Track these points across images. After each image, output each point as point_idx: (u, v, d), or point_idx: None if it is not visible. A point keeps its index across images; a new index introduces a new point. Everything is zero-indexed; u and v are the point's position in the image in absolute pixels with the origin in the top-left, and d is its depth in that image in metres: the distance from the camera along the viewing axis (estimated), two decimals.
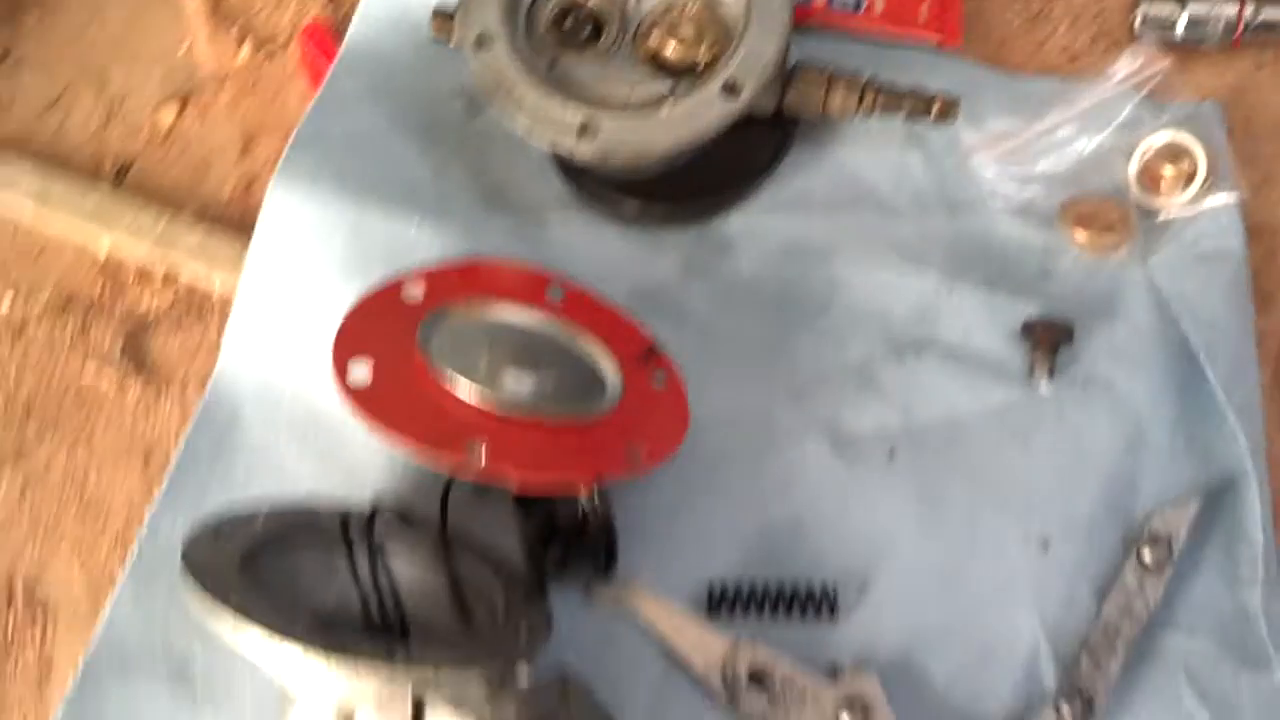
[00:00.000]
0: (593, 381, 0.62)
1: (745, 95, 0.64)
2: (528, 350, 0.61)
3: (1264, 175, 0.71)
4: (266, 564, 0.53)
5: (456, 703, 0.49)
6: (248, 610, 0.47)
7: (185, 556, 0.50)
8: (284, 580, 0.53)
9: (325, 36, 0.80)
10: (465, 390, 0.57)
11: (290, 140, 0.72)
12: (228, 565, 0.51)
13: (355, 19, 0.77)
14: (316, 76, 0.78)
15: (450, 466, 0.56)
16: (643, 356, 0.65)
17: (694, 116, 0.65)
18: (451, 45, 0.70)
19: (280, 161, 0.71)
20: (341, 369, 0.57)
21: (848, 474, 0.65)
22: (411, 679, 0.48)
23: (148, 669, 0.61)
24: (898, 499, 0.64)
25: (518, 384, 0.59)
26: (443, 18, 0.71)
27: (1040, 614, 0.61)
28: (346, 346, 0.58)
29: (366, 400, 0.56)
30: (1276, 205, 0.70)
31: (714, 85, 0.65)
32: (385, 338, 0.59)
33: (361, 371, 0.57)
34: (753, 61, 0.65)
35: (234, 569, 0.50)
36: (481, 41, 0.67)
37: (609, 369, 0.63)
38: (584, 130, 0.65)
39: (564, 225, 0.72)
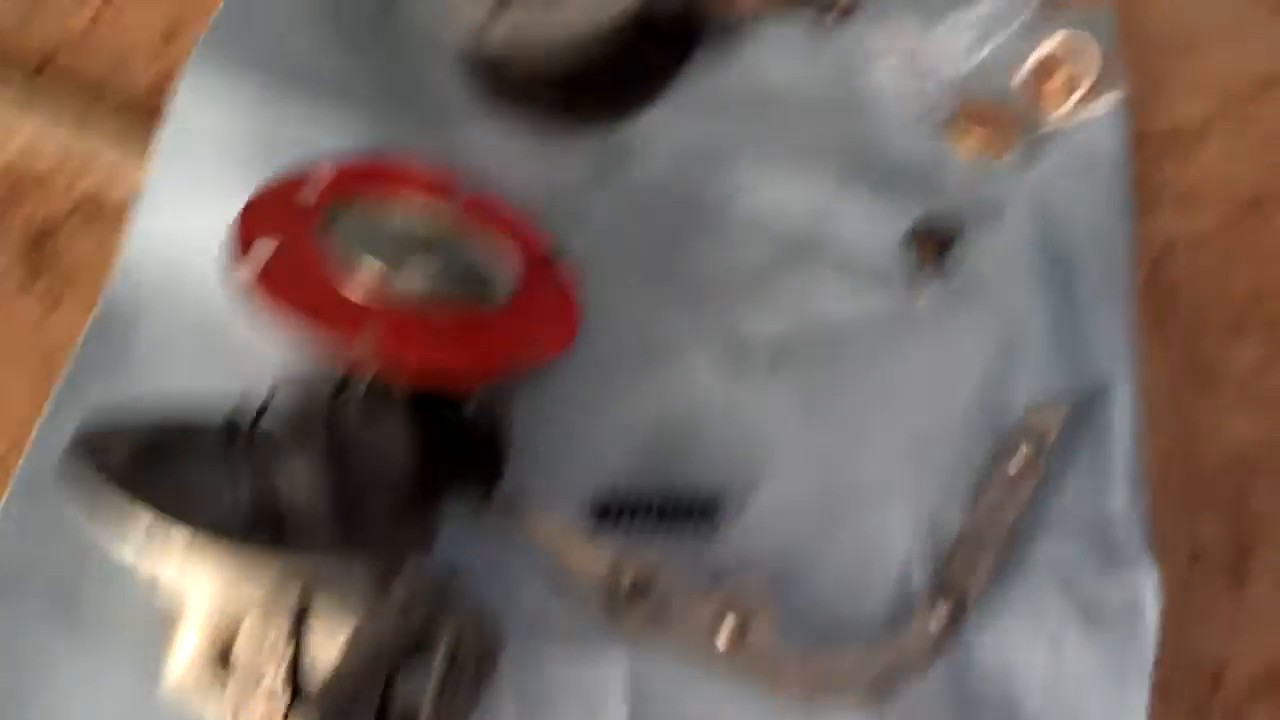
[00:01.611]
0: (488, 279, 0.64)
1: None
2: (426, 244, 0.63)
3: (1154, 81, 0.73)
4: (151, 469, 0.53)
5: (338, 606, 0.51)
6: (136, 495, 0.48)
7: (68, 454, 0.50)
8: (169, 486, 0.53)
9: None
10: (362, 278, 0.59)
11: (205, 32, 0.72)
12: (112, 468, 0.51)
13: None
14: None
15: (342, 354, 0.57)
16: (539, 260, 0.67)
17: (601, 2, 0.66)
18: None
19: (193, 52, 0.71)
20: (239, 252, 0.58)
21: (734, 382, 0.67)
22: (293, 577, 0.50)
23: (30, 591, 0.60)
24: (781, 407, 0.66)
25: (414, 275, 0.61)
26: None
27: (916, 516, 0.64)
28: (247, 231, 0.60)
29: (262, 282, 0.57)
30: (1163, 112, 0.72)
31: None
32: (286, 225, 0.61)
33: (260, 254, 0.58)
34: None
35: (118, 473, 0.50)
36: None
37: (505, 269, 0.65)
38: (493, 18, 0.66)
39: (471, 127, 0.73)
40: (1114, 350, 0.65)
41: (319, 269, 0.59)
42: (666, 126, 0.73)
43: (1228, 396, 0.68)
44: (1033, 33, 0.72)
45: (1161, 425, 0.67)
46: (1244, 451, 0.67)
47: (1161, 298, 0.69)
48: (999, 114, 0.70)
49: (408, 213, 0.65)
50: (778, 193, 0.71)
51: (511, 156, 0.72)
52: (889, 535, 0.64)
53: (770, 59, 0.74)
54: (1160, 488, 0.66)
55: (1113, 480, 0.64)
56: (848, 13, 0.69)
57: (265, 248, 0.58)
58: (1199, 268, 0.70)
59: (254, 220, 0.60)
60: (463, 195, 0.67)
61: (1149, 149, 0.71)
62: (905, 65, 0.72)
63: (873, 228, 0.70)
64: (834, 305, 0.68)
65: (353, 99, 0.72)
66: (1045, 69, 0.70)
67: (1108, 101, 0.70)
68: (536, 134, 0.73)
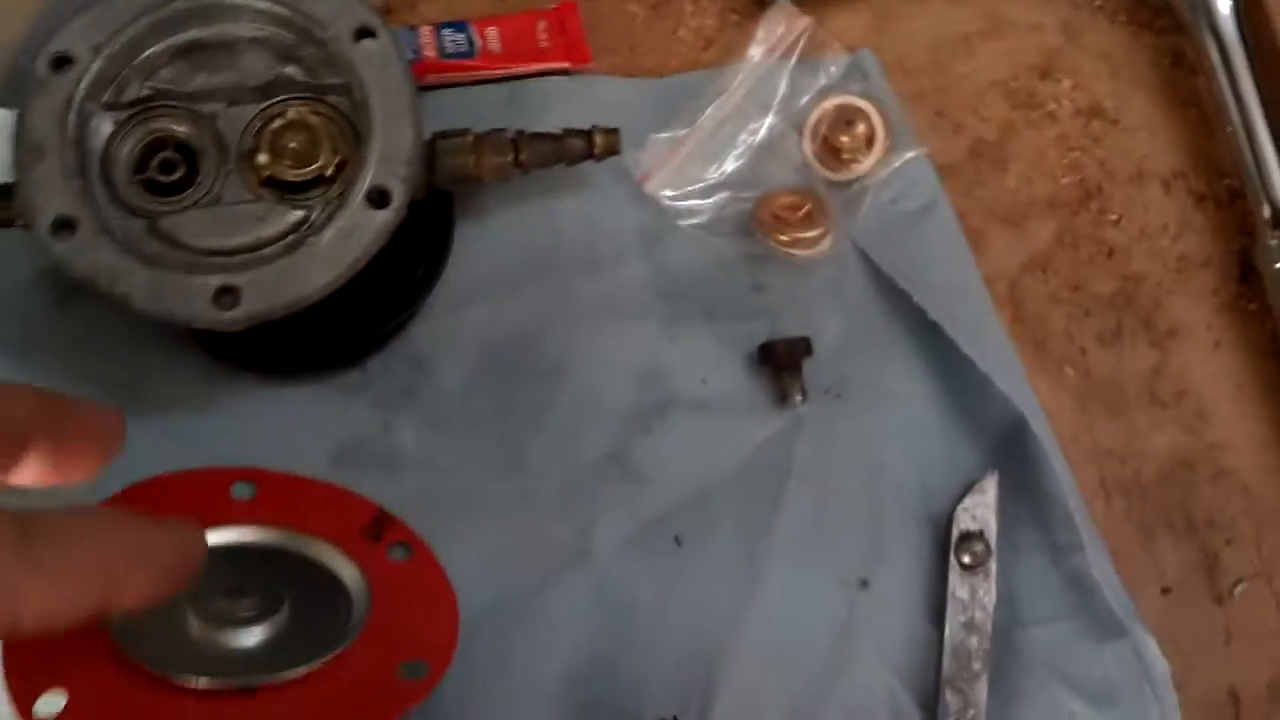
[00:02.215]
0: (330, 591, 0.53)
1: (398, 200, 0.54)
2: (240, 588, 0.50)
3: (934, 109, 0.67)
4: None
5: None
6: None
7: None
8: None
9: None
10: (189, 684, 0.46)
11: None
12: None
13: None
14: None
15: None
16: (370, 529, 0.56)
17: (348, 239, 0.54)
18: (19, 225, 0.56)
19: None
20: (26, 709, 0.44)
21: (641, 581, 0.58)
22: None
23: None
24: (704, 587, 0.58)
25: (246, 640, 0.49)
26: None
27: (887, 660, 0.57)
28: (24, 679, 0.45)
29: None
30: (953, 137, 0.67)
31: (356, 199, 0.54)
32: (68, 659, 0.46)
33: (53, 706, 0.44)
34: (392, 157, 0.55)
35: None
36: (60, 227, 0.53)
37: (342, 566, 0.53)
38: (223, 296, 0.53)
39: (221, 404, 0.61)
40: (1017, 404, 0.59)
41: (135, 695, 0.45)
42: (448, 325, 0.62)
43: (1138, 407, 0.63)
44: (799, 98, 0.65)
45: (1083, 458, 0.62)
46: (1177, 462, 0.63)
47: (1031, 325, 0.64)
48: (800, 199, 0.63)
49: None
50: (599, 359, 0.62)
51: (283, 421, 0.60)
52: (865, 692, 0.57)
53: (535, 217, 0.64)
54: (1104, 524, 0.61)
55: (1066, 545, 0.58)
56: (609, 150, 0.60)
57: (53, 704, 0.44)
58: (1056, 283, 0.65)
59: (27, 663, 0.45)
60: (250, 490, 0.55)
61: (955, 182, 0.66)
62: (680, 178, 0.64)
63: (717, 359, 0.62)
64: (713, 455, 0.60)
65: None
66: (831, 132, 0.64)
67: (908, 150, 0.64)
68: (301, 384, 0.61)
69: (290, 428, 0.60)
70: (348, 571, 0.53)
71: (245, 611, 0.50)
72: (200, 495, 0.54)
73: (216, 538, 0.52)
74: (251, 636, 0.49)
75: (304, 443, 0.60)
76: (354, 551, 0.54)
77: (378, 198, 0.55)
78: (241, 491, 0.55)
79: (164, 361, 0.61)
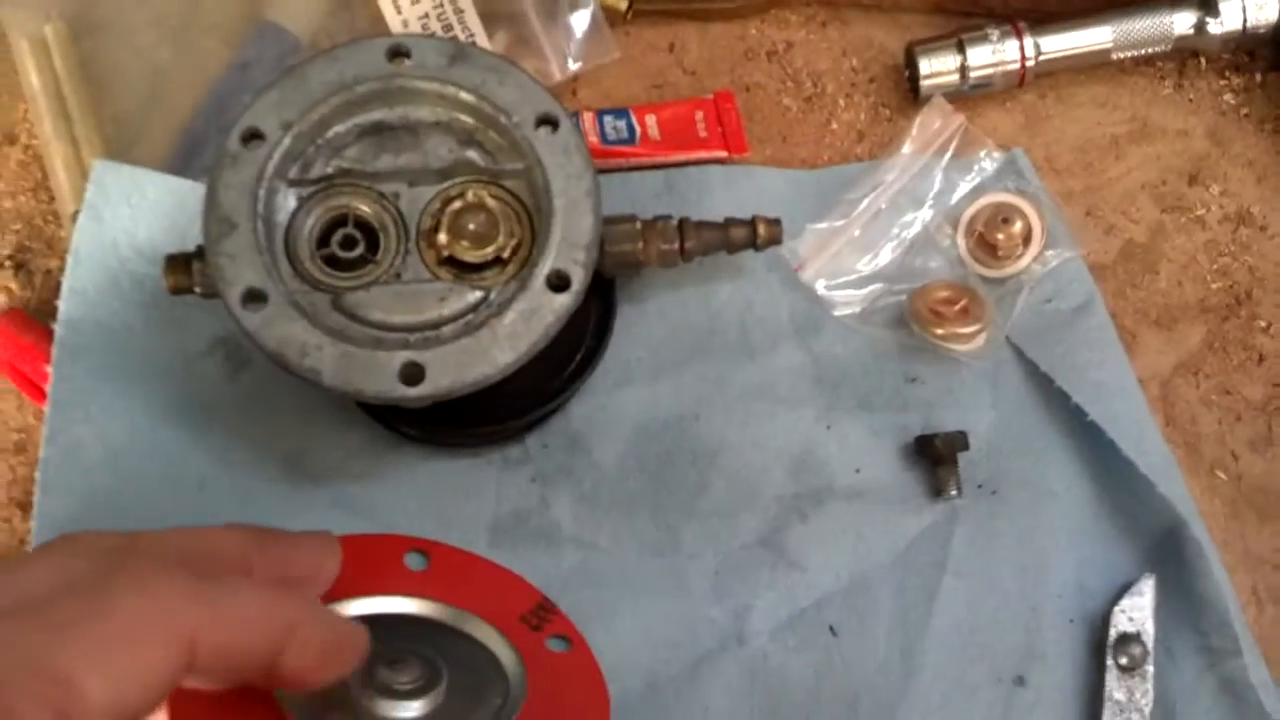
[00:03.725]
0: (489, 673, 0.53)
1: (577, 285, 0.55)
2: (403, 659, 0.50)
3: (1084, 210, 0.68)
4: None
5: None
6: None
7: None
8: None
9: (11, 325, 0.65)
10: None
11: (39, 467, 0.59)
12: None
13: (64, 294, 0.62)
14: (14, 373, 0.64)
15: None
16: (531, 618, 0.56)
17: (529, 321, 0.55)
18: (199, 293, 0.58)
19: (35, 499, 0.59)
20: None
21: (796, 668, 0.59)
22: None
23: None
24: (856, 678, 0.59)
25: (404, 712, 0.49)
26: (178, 266, 0.58)
27: None
28: None
29: None
30: (1104, 238, 0.68)
31: (537, 283, 0.56)
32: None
33: None
34: (572, 242, 0.56)
35: None
36: (250, 299, 0.55)
37: (503, 650, 0.54)
38: (409, 373, 0.54)
39: (385, 473, 0.62)
40: (1176, 506, 0.59)
41: None
42: (606, 405, 0.63)
43: None
44: (953, 192, 0.66)
45: (1235, 563, 0.62)
46: None
47: (1182, 428, 0.65)
48: (956, 293, 0.64)
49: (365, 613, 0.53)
50: (755, 443, 0.63)
51: (445, 492, 0.62)
52: None
53: (694, 302, 0.65)
54: (1256, 630, 0.61)
55: (1222, 649, 0.58)
56: (770, 240, 0.61)
57: None
58: (1207, 387, 0.65)
59: None
60: (424, 560, 0.56)
61: (1106, 282, 0.66)
62: (836, 268, 0.65)
63: (873, 448, 0.63)
64: (868, 545, 0.61)
65: (231, 490, 0.61)
66: (987, 230, 0.64)
67: (1062, 248, 0.65)
68: (464, 458, 0.62)
69: (451, 499, 0.61)
70: (507, 656, 0.54)
71: (406, 683, 0.50)
72: (375, 561, 0.55)
73: (386, 606, 0.53)
74: (409, 710, 0.50)
75: (464, 514, 0.61)
76: (514, 636, 0.55)
77: (558, 281, 0.56)
78: (414, 562, 0.56)
79: (330, 430, 0.62)
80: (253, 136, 0.58)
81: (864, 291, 0.65)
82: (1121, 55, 0.68)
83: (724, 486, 0.62)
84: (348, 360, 0.55)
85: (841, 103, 0.70)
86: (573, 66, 0.69)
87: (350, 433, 0.62)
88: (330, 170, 0.59)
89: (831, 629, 0.60)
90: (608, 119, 0.68)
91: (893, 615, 0.60)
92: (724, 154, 0.68)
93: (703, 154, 0.68)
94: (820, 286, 0.65)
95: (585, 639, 0.57)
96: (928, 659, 0.59)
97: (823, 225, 0.66)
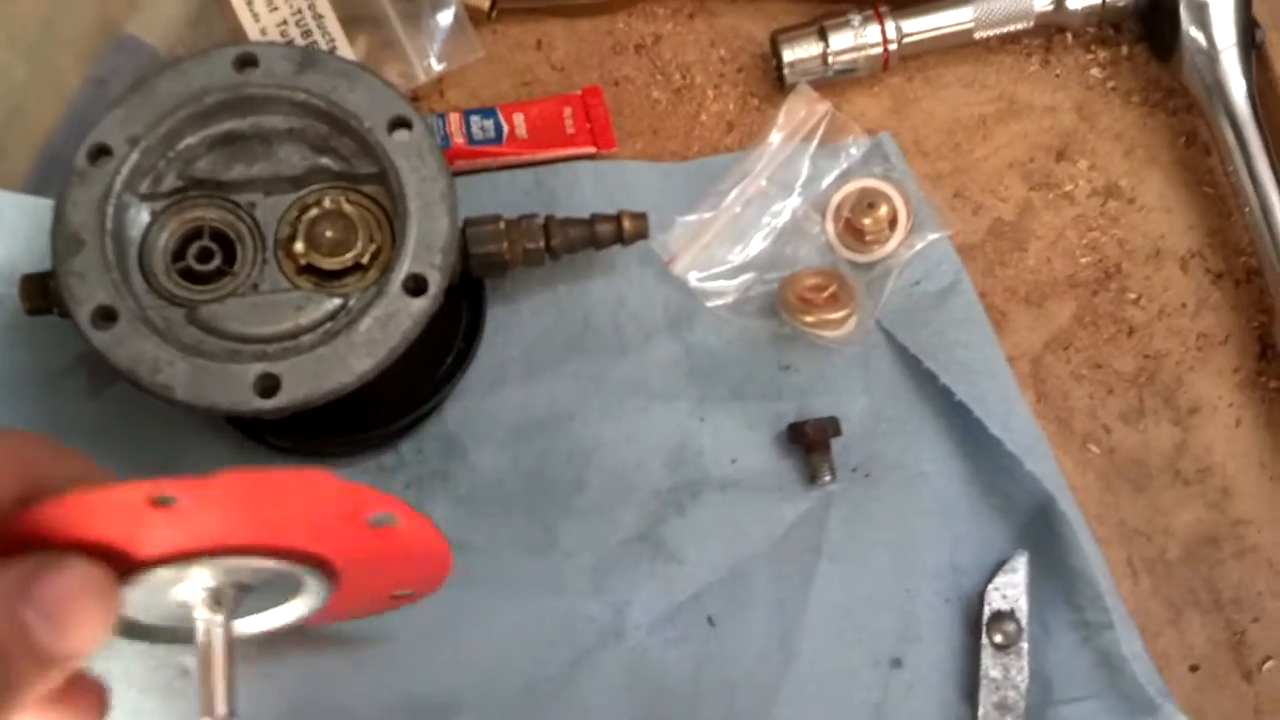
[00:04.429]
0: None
1: (434, 288, 0.55)
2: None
3: (953, 191, 0.68)
4: None
5: None
6: None
7: None
8: None
9: None
10: None
11: None
12: None
13: None
14: None
15: None
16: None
17: (386, 327, 0.55)
18: (55, 313, 0.57)
19: None
20: None
21: (675, 661, 0.59)
22: None
23: None
24: (738, 667, 0.59)
25: None
26: (33, 286, 0.57)
27: None
28: None
29: None
30: (972, 218, 0.68)
31: (394, 288, 0.55)
32: None
33: None
34: (429, 245, 0.56)
35: None
36: (100, 318, 0.54)
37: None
38: (264, 385, 0.54)
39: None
40: (1046, 484, 0.59)
41: None
42: (481, 407, 0.63)
43: (1162, 484, 0.64)
44: (820, 180, 0.66)
45: (1110, 535, 0.63)
46: (1203, 539, 0.63)
47: (1054, 403, 0.65)
48: (825, 280, 0.64)
49: None
50: (630, 439, 0.63)
51: None
52: None
53: (565, 299, 0.65)
54: (1131, 601, 0.61)
55: (1097, 623, 0.59)
56: (637, 234, 0.61)
57: None
58: (1078, 362, 0.66)
59: None
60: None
61: (975, 261, 0.67)
62: (706, 259, 0.65)
63: (746, 439, 0.63)
64: (745, 535, 0.61)
65: None
66: (854, 215, 0.65)
67: (930, 232, 0.65)
68: (338, 465, 0.62)
69: None
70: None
71: None
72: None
73: None
74: None
75: None
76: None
77: (415, 285, 0.56)
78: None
79: (198, 444, 0.62)
80: (100, 153, 0.57)
81: (736, 282, 0.65)
82: (985, 34, 0.69)
83: (601, 483, 0.62)
84: (201, 374, 0.54)
85: (710, 94, 0.70)
86: (437, 67, 0.68)
87: (218, 446, 0.62)
88: (182, 183, 0.58)
89: (710, 620, 0.60)
90: (474, 119, 0.68)
91: (770, 603, 0.60)
92: (592, 150, 0.68)
93: (571, 151, 0.68)
94: (692, 279, 0.65)
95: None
96: (805, 644, 0.59)
97: (692, 218, 0.66)
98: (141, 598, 0.46)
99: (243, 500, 0.43)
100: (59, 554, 0.41)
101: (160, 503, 0.41)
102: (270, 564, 0.46)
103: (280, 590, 0.50)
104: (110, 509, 0.42)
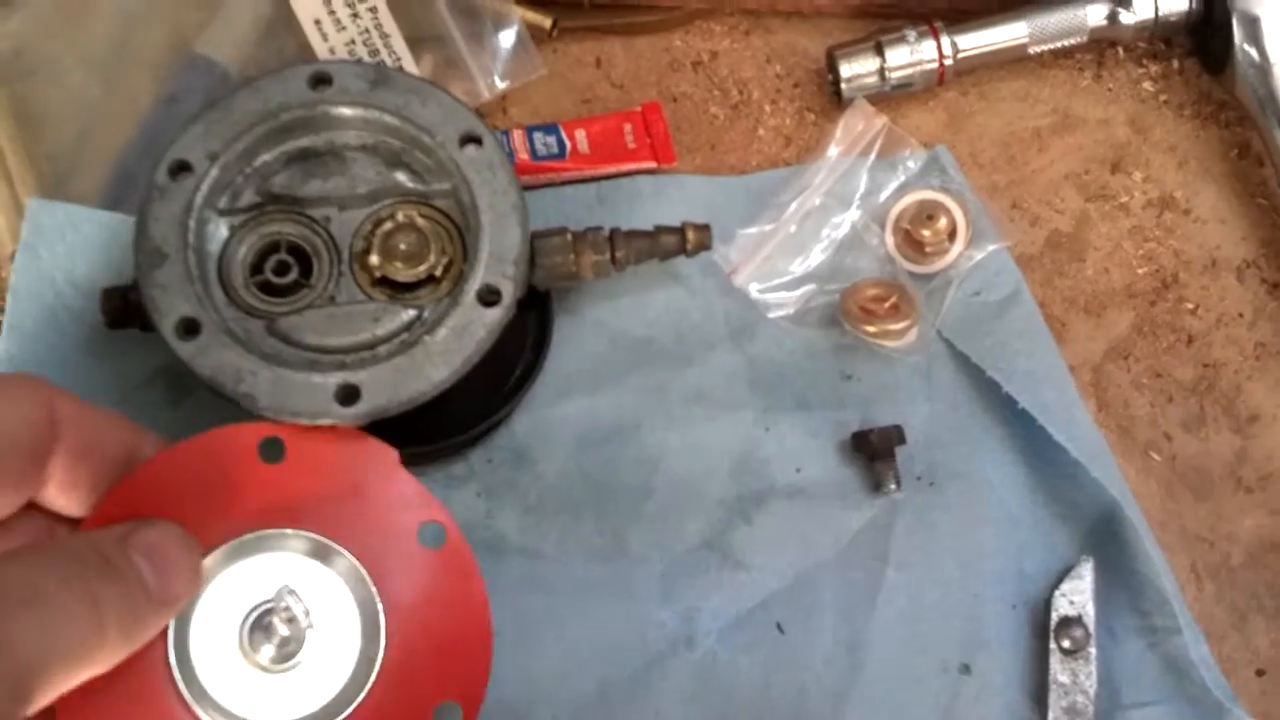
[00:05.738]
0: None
1: (507, 298, 0.56)
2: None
3: (1010, 203, 0.69)
4: None
5: None
6: None
7: None
8: None
9: None
10: None
11: None
12: None
13: (4, 332, 0.62)
14: None
15: None
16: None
17: (461, 337, 0.56)
18: (138, 326, 0.58)
19: None
20: None
21: (744, 667, 0.59)
22: None
23: None
24: (803, 674, 0.59)
25: None
26: (115, 299, 0.59)
27: None
28: None
29: None
30: (1030, 229, 0.69)
31: (468, 299, 0.56)
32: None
33: None
34: (501, 257, 0.57)
35: None
36: (184, 329, 0.55)
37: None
38: (344, 394, 0.55)
39: None
40: (1110, 491, 0.60)
41: None
42: (548, 417, 0.64)
43: (1224, 491, 0.64)
44: (879, 192, 0.67)
45: (1173, 542, 0.63)
46: (1266, 545, 0.64)
47: (1115, 412, 0.66)
48: (886, 290, 0.65)
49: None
50: (696, 449, 0.63)
51: None
52: None
53: (629, 311, 0.66)
54: (1196, 607, 0.62)
55: (1164, 628, 0.59)
56: (700, 245, 0.62)
57: None
58: (1137, 371, 0.67)
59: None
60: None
61: (1034, 272, 0.68)
62: (767, 271, 0.66)
63: (811, 448, 0.63)
64: (811, 543, 0.62)
65: None
66: (913, 227, 0.65)
67: (989, 243, 0.66)
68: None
69: None
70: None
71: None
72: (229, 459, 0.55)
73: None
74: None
75: None
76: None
77: (488, 296, 0.57)
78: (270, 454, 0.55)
79: None
80: (180, 169, 0.58)
81: (797, 293, 0.66)
82: (1039, 49, 0.70)
83: (668, 492, 0.63)
84: (283, 384, 0.55)
85: (767, 109, 0.71)
86: (500, 85, 0.69)
87: None
88: (259, 198, 0.60)
89: (778, 627, 0.60)
90: (537, 135, 0.69)
91: (837, 610, 0.61)
92: (653, 164, 0.69)
93: (632, 165, 0.69)
94: (754, 290, 0.66)
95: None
96: (873, 652, 0.60)
97: (753, 230, 0.67)
98: None
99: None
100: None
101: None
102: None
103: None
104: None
